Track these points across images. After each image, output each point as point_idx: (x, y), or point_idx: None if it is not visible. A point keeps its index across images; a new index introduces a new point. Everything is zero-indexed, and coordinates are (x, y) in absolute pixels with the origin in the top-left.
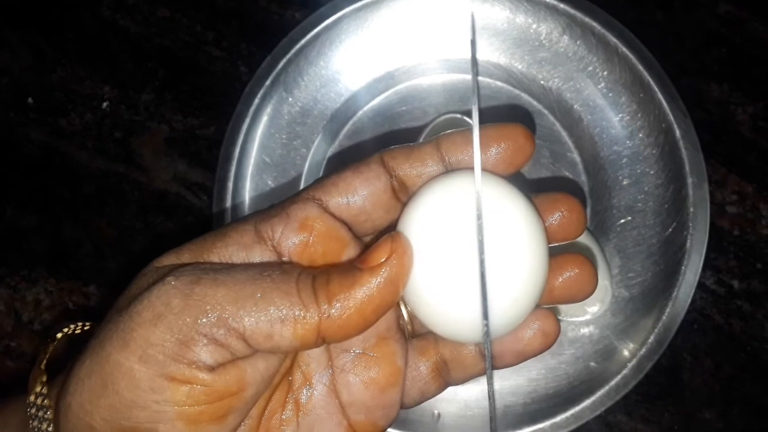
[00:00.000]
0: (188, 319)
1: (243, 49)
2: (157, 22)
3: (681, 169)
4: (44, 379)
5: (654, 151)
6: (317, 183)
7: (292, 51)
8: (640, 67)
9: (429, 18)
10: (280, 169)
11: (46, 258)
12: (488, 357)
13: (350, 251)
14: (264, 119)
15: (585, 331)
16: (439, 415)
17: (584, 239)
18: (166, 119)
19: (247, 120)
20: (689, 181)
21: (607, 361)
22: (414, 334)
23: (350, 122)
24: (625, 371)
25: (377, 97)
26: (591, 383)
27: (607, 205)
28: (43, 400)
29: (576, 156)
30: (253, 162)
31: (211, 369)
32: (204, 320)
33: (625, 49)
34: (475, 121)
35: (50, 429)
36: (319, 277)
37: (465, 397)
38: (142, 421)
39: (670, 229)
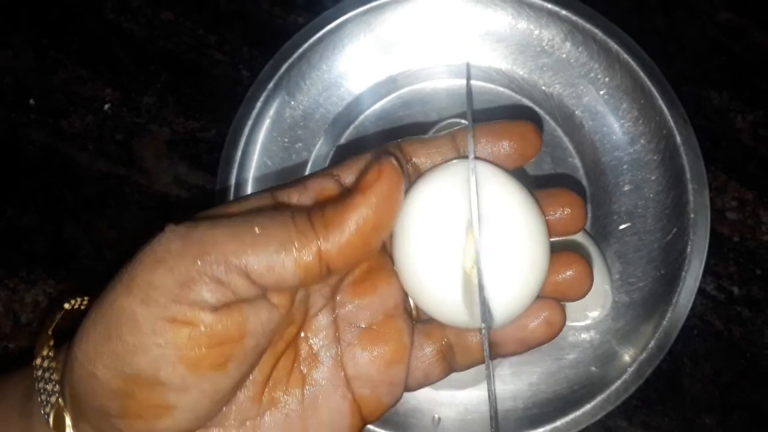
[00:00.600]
0: (188, 260)
1: (245, 52)
2: (160, 25)
3: (682, 175)
4: (51, 343)
5: (655, 157)
6: (337, 163)
7: (295, 55)
8: (642, 74)
9: (432, 22)
10: (281, 173)
11: (46, 259)
12: (486, 347)
13: None
14: (266, 122)
15: (585, 335)
16: (439, 419)
17: (585, 244)
18: (168, 122)
19: (249, 123)
20: (690, 187)
21: (607, 366)
22: (418, 320)
23: (352, 126)
24: (625, 376)
25: (380, 101)
26: (591, 388)
27: (607, 210)
28: (50, 362)
29: (577, 161)
30: (255, 165)
31: (213, 309)
32: (204, 259)
33: (626, 56)
34: (471, 155)
35: (56, 389)
36: (313, 210)
37: (465, 401)
38: (143, 367)
39: (671, 235)
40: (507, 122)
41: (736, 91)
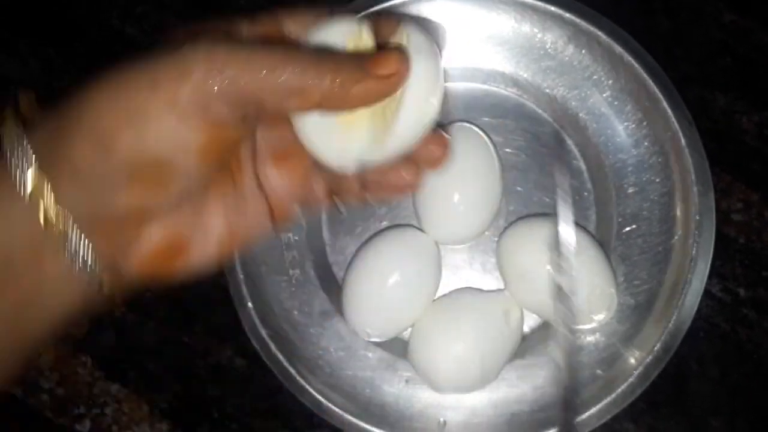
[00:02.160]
0: (210, 81)
1: None
2: (165, 32)
3: (686, 177)
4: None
5: (659, 160)
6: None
7: None
8: (646, 76)
9: (442, 26)
10: None
11: None
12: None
13: None
14: None
15: (591, 338)
16: (445, 422)
17: (590, 247)
18: None
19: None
20: (695, 189)
21: (613, 369)
22: None
23: None
24: (631, 379)
25: None
26: (597, 391)
27: (612, 213)
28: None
29: (581, 164)
30: None
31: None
32: (225, 85)
33: (630, 58)
34: None
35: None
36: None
37: (471, 405)
38: (162, 150)
39: (676, 237)
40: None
41: (741, 92)
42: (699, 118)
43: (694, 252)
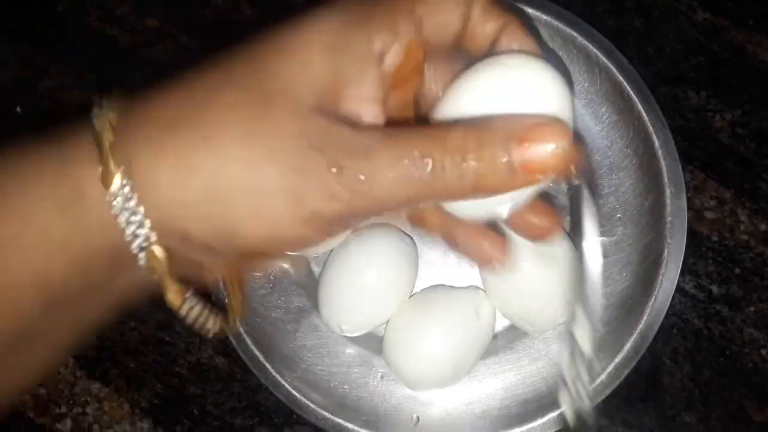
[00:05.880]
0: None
1: None
2: (145, 33)
3: (659, 179)
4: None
5: (633, 161)
6: None
7: None
8: (621, 78)
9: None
10: None
11: None
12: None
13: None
14: None
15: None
16: (418, 418)
17: (562, 247)
18: None
19: None
20: (667, 191)
21: None
22: None
23: None
24: (601, 377)
25: None
26: None
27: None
28: (130, 190)
29: None
30: None
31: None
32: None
33: (605, 60)
34: None
35: (146, 224)
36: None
37: (444, 401)
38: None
39: (648, 239)
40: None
41: (714, 90)
42: (672, 116)
43: (665, 253)
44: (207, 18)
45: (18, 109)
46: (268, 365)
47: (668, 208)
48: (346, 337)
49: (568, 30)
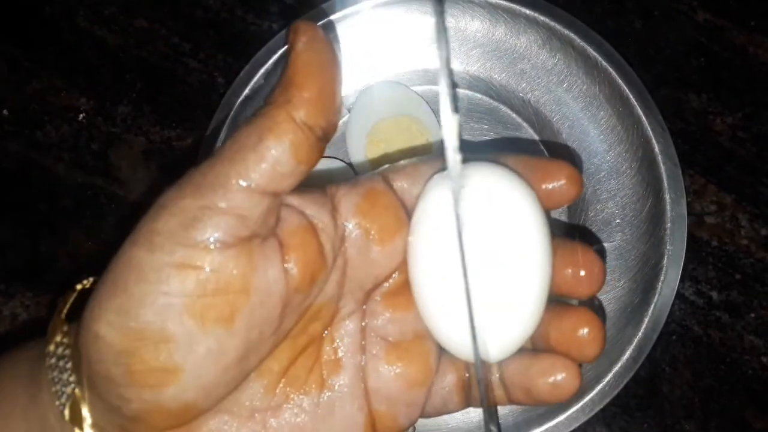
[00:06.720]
0: (188, 199)
1: (220, 59)
2: (134, 33)
3: (659, 184)
4: (65, 328)
5: (632, 166)
6: (386, 167)
7: (270, 61)
8: (620, 82)
9: (409, 28)
10: None
11: (23, 272)
12: (481, 379)
13: (403, 235)
14: None
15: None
16: (413, 428)
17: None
18: (144, 131)
19: (224, 131)
20: (667, 196)
21: (582, 376)
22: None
23: None
24: (600, 386)
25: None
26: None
27: (584, 219)
28: (64, 350)
29: None
30: None
31: (222, 246)
32: (203, 192)
33: (604, 63)
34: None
35: (72, 378)
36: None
37: None
38: (149, 319)
39: (648, 245)
40: (554, 160)
41: (715, 93)
42: (672, 119)
43: (665, 260)
44: (198, 18)
45: (5, 112)
46: None
47: (668, 214)
48: None
49: (567, 32)
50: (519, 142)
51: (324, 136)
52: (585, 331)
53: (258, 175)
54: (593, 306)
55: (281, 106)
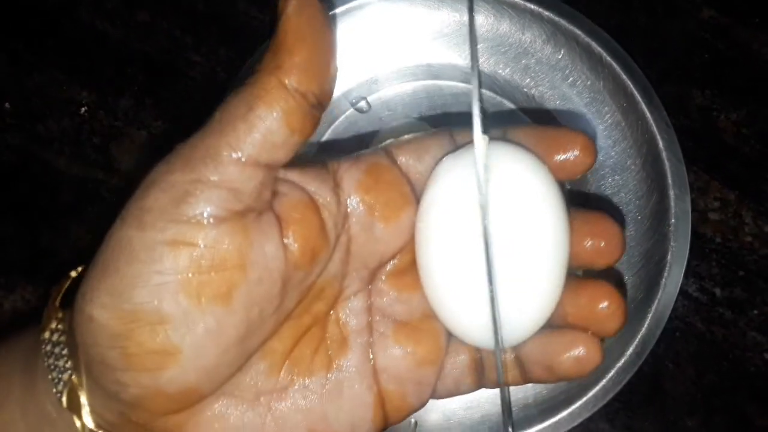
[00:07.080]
0: (178, 173)
1: (222, 53)
2: (136, 27)
3: (663, 180)
4: (60, 315)
5: (636, 162)
6: (390, 141)
7: None
8: (624, 77)
9: (414, 23)
10: None
11: (24, 266)
12: (499, 365)
13: (410, 212)
14: None
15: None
16: (416, 423)
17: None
18: (146, 125)
19: None
20: (671, 193)
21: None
22: None
23: (330, 129)
24: (603, 382)
25: (361, 102)
26: (570, 393)
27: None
28: (59, 336)
29: None
30: None
31: (216, 222)
32: (194, 165)
33: (609, 59)
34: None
35: (68, 364)
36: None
37: (443, 405)
38: (143, 300)
39: (652, 241)
40: (567, 130)
41: (719, 89)
42: (676, 115)
43: (669, 257)
44: (200, 12)
45: (7, 105)
46: None
47: (672, 210)
48: None
49: (571, 27)
50: (530, 113)
51: (318, 104)
52: (605, 304)
53: (250, 146)
54: (614, 277)
55: (271, 72)
